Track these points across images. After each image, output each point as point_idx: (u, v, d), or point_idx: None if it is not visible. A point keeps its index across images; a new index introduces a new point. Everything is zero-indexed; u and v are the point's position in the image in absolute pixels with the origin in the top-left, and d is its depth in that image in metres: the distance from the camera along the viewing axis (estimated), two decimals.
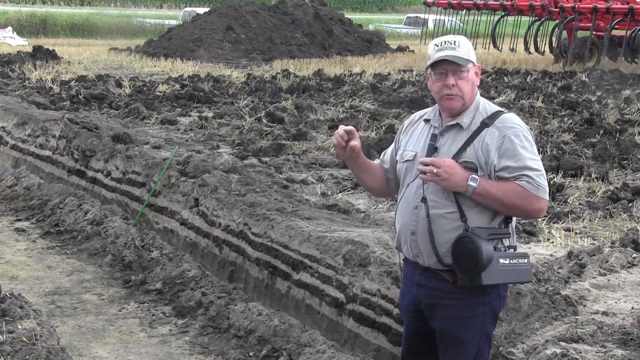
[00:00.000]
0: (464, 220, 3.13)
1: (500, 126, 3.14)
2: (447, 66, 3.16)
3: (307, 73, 17.04)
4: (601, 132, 9.98)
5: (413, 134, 3.38)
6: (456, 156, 3.16)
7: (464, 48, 3.18)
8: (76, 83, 13.78)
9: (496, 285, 3.18)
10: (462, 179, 3.09)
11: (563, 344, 3.80)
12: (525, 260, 3.16)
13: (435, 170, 3.08)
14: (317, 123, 10.63)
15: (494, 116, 3.18)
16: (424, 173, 3.11)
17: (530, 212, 3.16)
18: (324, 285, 5.05)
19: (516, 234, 5.74)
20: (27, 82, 14.03)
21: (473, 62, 3.20)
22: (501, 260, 3.09)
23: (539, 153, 9.00)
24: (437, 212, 3.18)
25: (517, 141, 3.11)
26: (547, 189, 3.13)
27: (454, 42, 3.19)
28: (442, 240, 3.17)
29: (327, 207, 6.48)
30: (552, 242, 5.74)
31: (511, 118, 3.19)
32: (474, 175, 3.10)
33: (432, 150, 3.23)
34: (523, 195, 3.08)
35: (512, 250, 3.21)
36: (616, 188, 7.28)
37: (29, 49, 19.10)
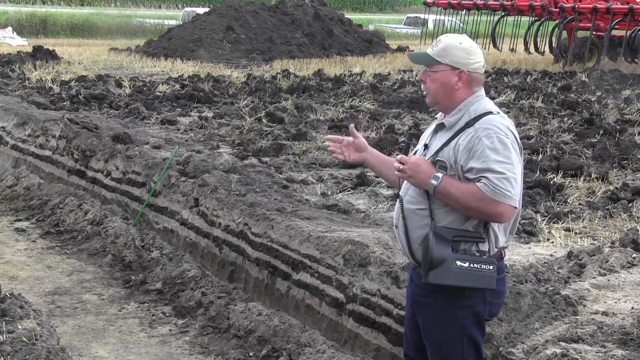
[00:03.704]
0: (432, 218, 3.17)
1: (478, 127, 3.12)
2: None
3: (307, 73, 17.04)
4: (601, 132, 9.97)
5: (428, 129, 3.46)
6: (435, 154, 3.20)
7: (439, 48, 3.21)
8: (76, 83, 13.78)
9: (477, 290, 3.16)
10: (425, 177, 3.13)
11: (563, 344, 3.79)
12: (491, 267, 3.09)
13: (401, 167, 3.17)
14: (317, 123, 10.63)
15: (479, 117, 3.15)
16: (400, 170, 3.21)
17: (488, 215, 3.07)
18: (324, 285, 5.06)
19: (516, 234, 5.81)
20: (27, 82, 14.02)
21: (445, 64, 3.18)
22: (458, 263, 3.07)
23: (539, 153, 8.89)
24: (411, 207, 3.26)
25: (487, 142, 3.05)
26: (510, 194, 3.00)
27: (438, 40, 3.25)
28: (414, 235, 3.24)
29: (327, 207, 6.48)
30: (552, 242, 5.74)
31: (492, 119, 3.13)
32: (437, 174, 3.12)
33: (407, 147, 3.32)
34: (479, 197, 3.02)
35: (481, 255, 3.13)
36: (616, 188, 7.27)
37: (29, 49, 19.08)
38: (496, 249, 3.22)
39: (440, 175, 3.12)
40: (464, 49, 3.19)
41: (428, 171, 3.14)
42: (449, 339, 3.27)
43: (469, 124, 3.15)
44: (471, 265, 3.08)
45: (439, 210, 3.18)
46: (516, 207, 3.07)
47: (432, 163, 3.20)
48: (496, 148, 3.04)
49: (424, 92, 3.32)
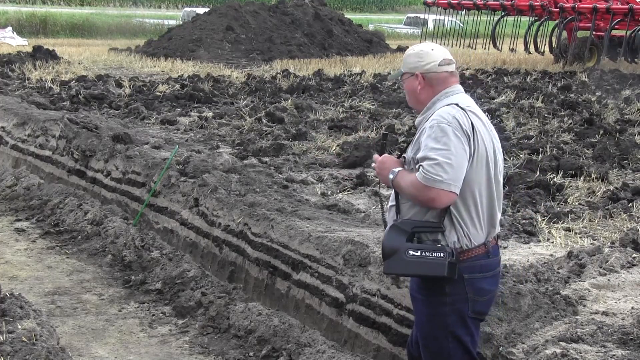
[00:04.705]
0: (397, 212, 3.33)
1: (429, 120, 3.24)
2: None
3: (307, 73, 17.04)
4: (601, 132, 9.97)
5: None
6: (404, 152, 3.41)
7: (402, 59, 3.47)
8: (76, 83, 13.78)
9: (457, 287, 3.23)
10: (387, 173, 3.32)
11: (563, 344, 3.79)
12: (441, 255, 3.16)
13: (372, 165, 3.43)
14: (317, 123, 10.63)
15: (436, 112, 3.27)
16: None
17: (424, 201, 3.17)
18: (324, 285, 5.06)
19: (516, 233, 5.81)
20: (27, 82, 14.02)
21: (406, 72, 3.40)
22: (411, 252, 3.17)
23: (539, 153, 8.87)
24: (389, 204, 3.45)
25: (429, 132, 3.17)
26: (442, 178, 3.07)
27: None
28: None
29: (327, 207, 6.48)
30: (552, 242, 5.74)
31: (441, 111, 3.23)
32: (394, 169, 3.30)
33: (383, 147, 3.52)
34: (415, 185, 3.14)
35: (438, 243, 3.20)
36: (616, 188, 7.27)
37: (29, 49, 19.08)
38: (466, 238, 3.25)
39: (397, 170, 3.29)
40: (414, 54, 3.40)
41: (390, 167, 3.32)
42: (434, 335, 3.34)
43: (427, 120, 3.28)
44: (423, 253, 3.17)
45: (404, 205, 3.33)
46: (452, 192, 3.11)
47: (402, 161, 3.38)
48: (436, 137, 3.14)
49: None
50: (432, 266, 3.15)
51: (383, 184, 3.72)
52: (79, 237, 7.06)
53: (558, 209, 6.64)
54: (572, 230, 6.04)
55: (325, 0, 28.11)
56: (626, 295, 4.55)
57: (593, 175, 7.62)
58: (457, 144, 3.12)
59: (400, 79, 3.48)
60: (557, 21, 20.24)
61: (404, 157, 3.37)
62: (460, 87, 3.40)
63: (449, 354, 3.33)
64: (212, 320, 5.30)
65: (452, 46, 22.44)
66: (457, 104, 3.25)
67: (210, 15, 23.87)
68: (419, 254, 3.16)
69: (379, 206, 3.54)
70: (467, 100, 3.34)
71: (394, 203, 3.37)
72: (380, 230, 5.38)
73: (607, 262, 5.03)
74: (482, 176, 3.26)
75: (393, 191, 3.42)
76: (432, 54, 3.36)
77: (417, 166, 3.17)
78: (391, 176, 3.28)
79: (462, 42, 22.98)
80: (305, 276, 5.22)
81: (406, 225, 3.24)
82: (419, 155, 3.16)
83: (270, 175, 7.39)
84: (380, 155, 3.44)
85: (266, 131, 9.88)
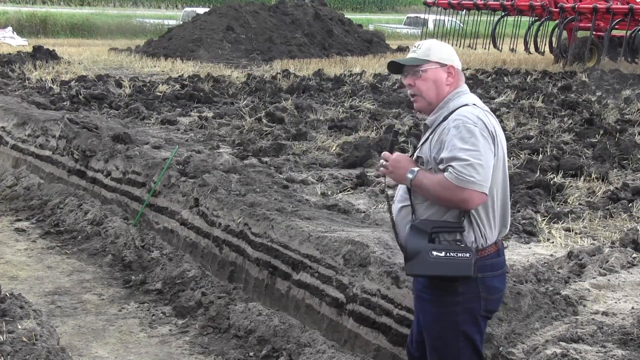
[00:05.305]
0: (412, 213, 3.28)
1: (450, 119, 3.20)
2: (406, 69, 3.35)
3: (307, 73, 17.05)
4: (601, 132, 9.98)
5: None
6: (417, 152, 3.34)
7: (423, 49, 3.32)
8: (76, 83, 13.79)
9: (470, 286, 3.21)
10: (404, 172, 3.25)
11: (563, 344, 3.80)
12: (467, 255, 3.13)
13: (383, 163, 3.32)
14: (317, 123, 10.63)
15: (454, 111, 3.23)
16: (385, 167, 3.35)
17: (455, 203, 3.13)
18: (324, 285, 5.05)
19: (516, 233, 5.81)
20: (27, 82, 14.02)
21: (434, 62, 3.27)
22: (435, 253, 3.13)
23: (539, 153, 8.87)
24: (399, 205, 3.38)
25: (455, 132, 3.13)
26: (475, 179, 3.04)
27: (418, 45, 3.37)
28: (401, 231, 3.35)
29: (327, 207, 6.48)
30: (552, 242, 5.74)
31: (463, 111, 3.20)
32: (413, 168, 3.23)
33: (392, 144, 3.44)
34: (445, 185, 3.09)
35: (461, 244, 3.18)
36: (616, 188, 7.27)
37: (29, 49, 19.09)
38: (482, 238, 3.25)
39: (416, 169, 3.22)
40: (443, 47, 3.37)
41: (407, 167, 3.25)
42: (444, 334, 3.31)
43: (445, 118, 3.24)
44: (447, 254, 3.13)
45: (420, 205, 3.28)
46: (484, 193, 3.10)
47: (415, 160, 3.31)
48: (463, 137, 3.10)
49: (412, 97, 3.37)
50: (458, 266, 3.12)
51: (390, 184, 3.65)
52: (79, 237, 7.06)
53: (558, 209, 6.64)
54: (572, 230, 6.04)
55: (325, 0, 28.12)
56: (626, 295, 4.55)
57: (593, 175, 7.62)
58: (485, 144, 3.12)
59: (420, 69, 3.29)
60: (557, 21, 20.23)
61: (417, 157, 3.31)
62: (467, 87, 3.41)
63: (457, 353, 3.31)
64: (212, 320, 5.30)
65: (452, 46, 22.42)
66: (475, 105, 3.25)
67: (210, 15, 23.89)
68: (443, 254, 3.13)
69: (387, 206, 3.46)
70: (480, 101, 3.35)
71: (408, 203, 3.31)
72: (380, 230, 5.39)
73: (607, 262, 5.04)
74: (500, 176, 3.26)
75: (402, 191, 3.37)
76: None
77: (442, 166, 3.13)
78: (410, 176, 3.21)
79: (462, 42, 22.97)
80: (306, 276, 5.22)
81: (425, 225, 3.21)
82: (445, 155, 3.12)
83: (270, 175, 7.39)
84: (390, 153, 3.36)
85: (266, 131, 9.88)
